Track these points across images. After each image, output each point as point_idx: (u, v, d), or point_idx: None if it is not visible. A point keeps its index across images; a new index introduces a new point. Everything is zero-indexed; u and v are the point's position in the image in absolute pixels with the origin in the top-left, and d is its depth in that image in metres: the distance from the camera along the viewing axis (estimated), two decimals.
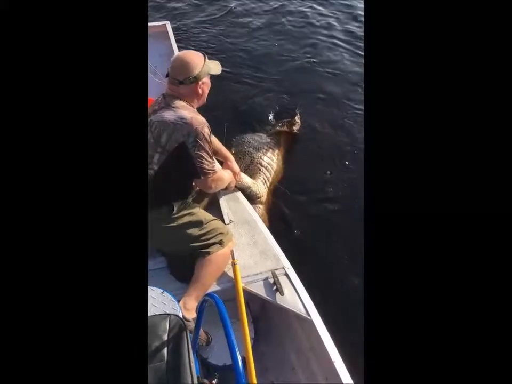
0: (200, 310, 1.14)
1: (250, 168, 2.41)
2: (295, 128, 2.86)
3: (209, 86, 1.60)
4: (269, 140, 2.72)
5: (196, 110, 1.54)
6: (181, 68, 1.47)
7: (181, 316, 1.08)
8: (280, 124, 2.91)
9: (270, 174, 2.48)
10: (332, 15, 4.47)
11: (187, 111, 1.45)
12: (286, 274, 1.57)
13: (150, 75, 2.14)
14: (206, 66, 1.51)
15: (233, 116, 2.93)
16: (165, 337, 0.81)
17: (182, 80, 1.47)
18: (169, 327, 0.83)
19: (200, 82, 1.50)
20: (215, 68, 1.58)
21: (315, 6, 4.64)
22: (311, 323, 1.42)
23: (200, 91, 1.53)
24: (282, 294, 1.47)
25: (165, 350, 0.79)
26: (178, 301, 1.30)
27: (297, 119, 2.86)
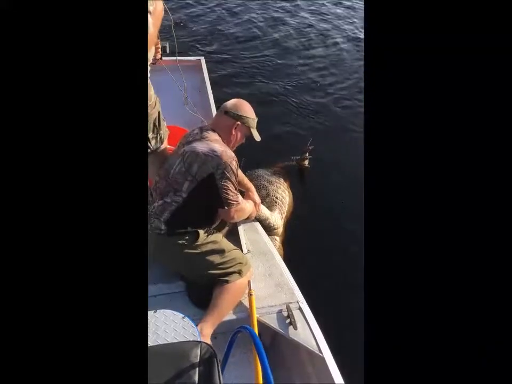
0: (231, 341, 1.17)
1: (267, 201, 2.49)
2: (306, 162, 2.98)
3: (243, 140, 1.74)
4: (281, 174, 2.83)
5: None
6: (234, 103, 1.65)
7: None
8: (292, 159, 3.05)
9: (285, 207, 2.55)
10: None
11: (218, 145, 1.55)
12: (300, 309, 1.60)
13: (183, 104, 2.32)
14: (251, 120, 1.68)
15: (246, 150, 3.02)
16: (196, 363, 0.86)
17: (227, 110, 1.63)
18: (200, 353, 0.88)
19: (238, 123, 1.64)
20: (256, 133, 1.72)
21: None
22: (322, 360, 1.43)
23: (233, 132, 1.66)
24: (295, 328, 1.50)
25: (196, 376, 0.83)
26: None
27: (308, 155, 2.97)
